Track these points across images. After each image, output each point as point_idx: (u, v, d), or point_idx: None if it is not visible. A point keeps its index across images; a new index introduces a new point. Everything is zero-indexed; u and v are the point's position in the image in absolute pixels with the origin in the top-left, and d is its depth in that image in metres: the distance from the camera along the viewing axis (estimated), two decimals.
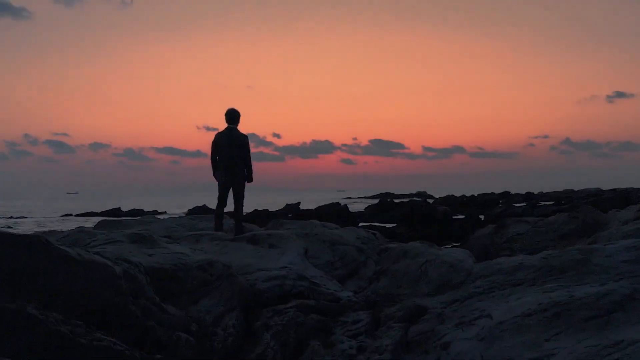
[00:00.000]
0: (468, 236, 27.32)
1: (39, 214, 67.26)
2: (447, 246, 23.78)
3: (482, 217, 32.82)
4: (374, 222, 38.45)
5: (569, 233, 13.39)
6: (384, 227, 33.05)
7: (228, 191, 8.80)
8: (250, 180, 8.86)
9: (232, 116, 8.82)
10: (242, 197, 8.82)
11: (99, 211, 63.17)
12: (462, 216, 36.32)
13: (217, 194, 8.84)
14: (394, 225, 34.72)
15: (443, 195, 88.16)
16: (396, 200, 57.99)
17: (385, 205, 52.59)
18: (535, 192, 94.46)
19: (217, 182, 8.84)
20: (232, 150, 8.66)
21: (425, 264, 6.49)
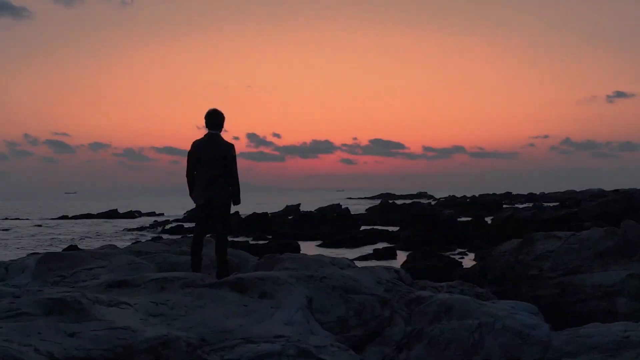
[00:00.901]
0: (472, 239, 25.76)
1: (36, 215, 65.85)
2: (453, 253, 22.08)
3: (488, 220, 31.04)
4: (375, 225, 36.90)
5: (607, 251, 11.72)
6: (387, 230, 31.38)
7: (209, 215, 6.78)
8: (237, 201, 6.84)
9: (215, 119, 6.78)
10: (228, 223, 6.81)
11: (95, 213, 61.78)
12: (466, 218, 34.66)
13: None
14: (397, 228, 33.03)
15: (444, 195, 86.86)
16: (398, 202, 56.30)
17: (387, 206, 50.95)
18: (537, 193, 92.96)
19: (195, 204, 6.81)
20: (214, 163, 6.64)
21: (480, 330, 4.59)
